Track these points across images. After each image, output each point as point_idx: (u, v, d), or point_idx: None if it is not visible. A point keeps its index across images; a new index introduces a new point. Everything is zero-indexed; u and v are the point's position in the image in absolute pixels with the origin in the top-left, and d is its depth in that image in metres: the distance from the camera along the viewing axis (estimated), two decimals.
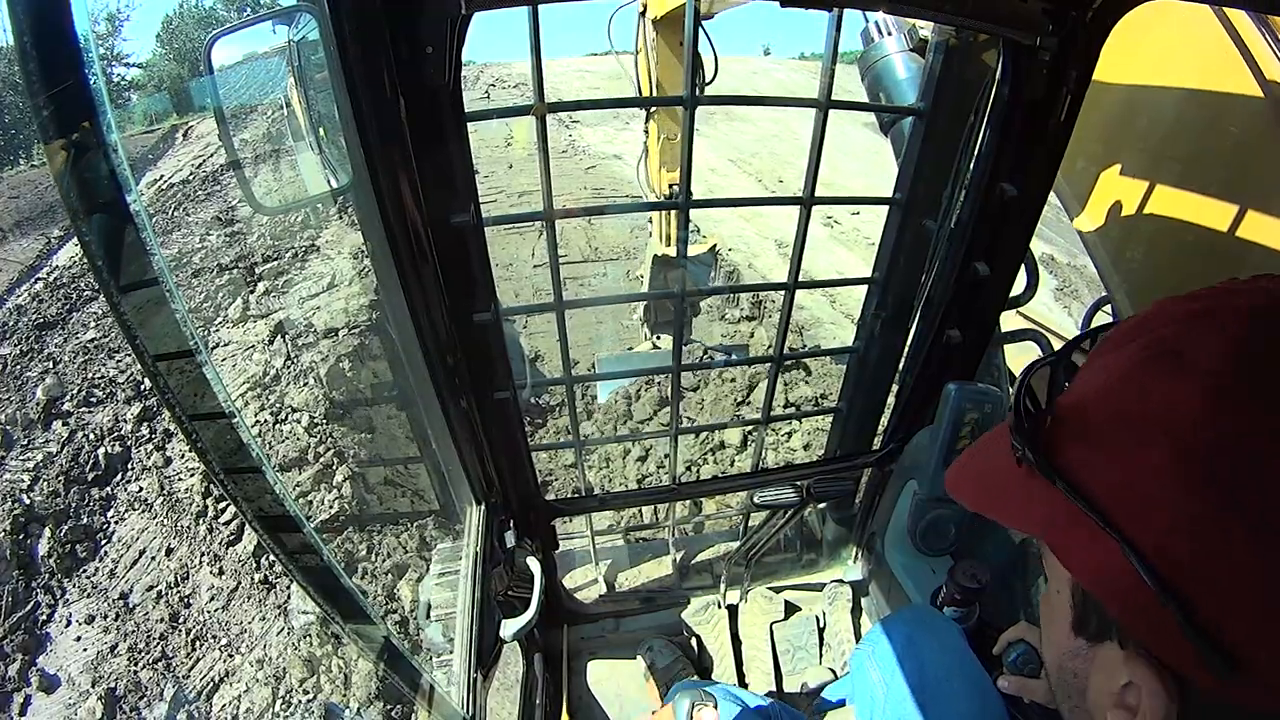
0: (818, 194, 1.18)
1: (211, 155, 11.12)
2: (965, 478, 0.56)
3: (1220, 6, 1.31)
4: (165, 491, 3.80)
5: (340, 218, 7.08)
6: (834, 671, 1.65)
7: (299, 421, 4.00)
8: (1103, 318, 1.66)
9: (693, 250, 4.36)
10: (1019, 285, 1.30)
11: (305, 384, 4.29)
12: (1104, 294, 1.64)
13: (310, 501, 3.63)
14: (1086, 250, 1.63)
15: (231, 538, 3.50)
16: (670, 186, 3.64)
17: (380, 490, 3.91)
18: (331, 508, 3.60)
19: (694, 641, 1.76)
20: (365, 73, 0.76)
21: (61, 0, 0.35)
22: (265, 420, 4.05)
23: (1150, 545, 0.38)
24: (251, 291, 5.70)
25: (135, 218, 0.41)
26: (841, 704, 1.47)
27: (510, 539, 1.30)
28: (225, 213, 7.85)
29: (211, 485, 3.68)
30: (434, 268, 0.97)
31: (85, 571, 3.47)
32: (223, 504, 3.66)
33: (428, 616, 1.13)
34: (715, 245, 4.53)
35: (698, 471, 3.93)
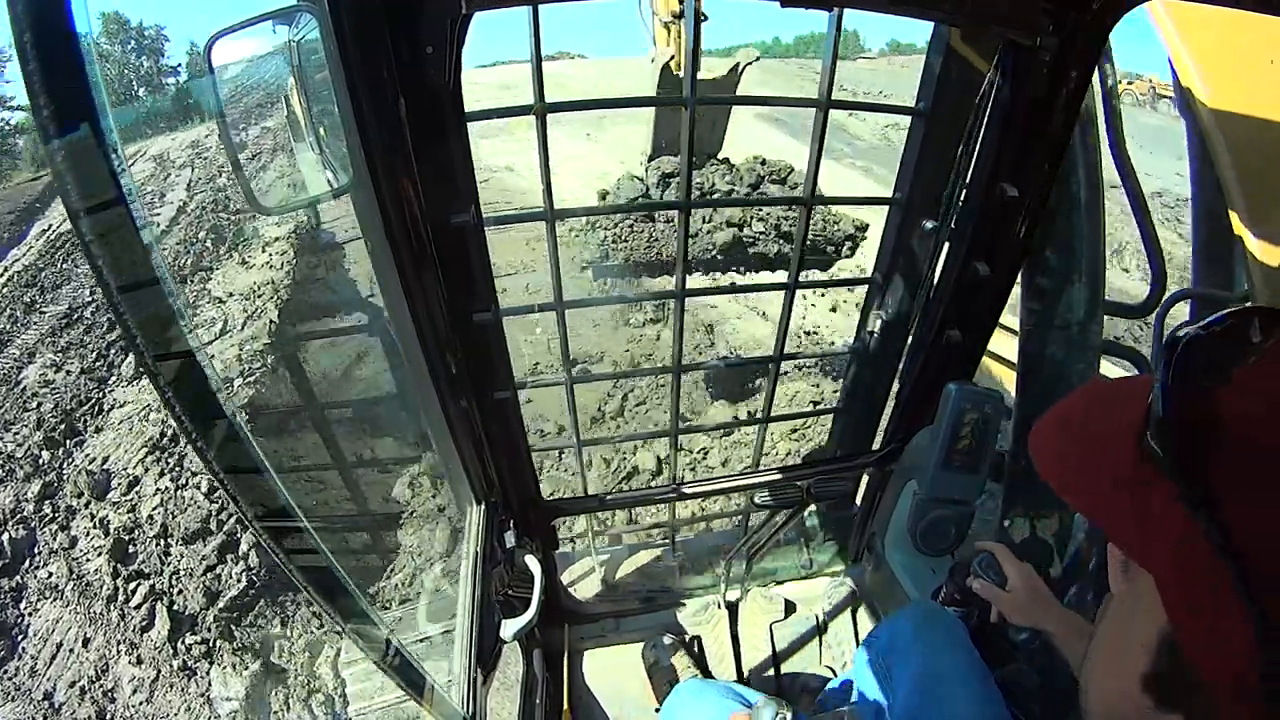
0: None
1: None
2: (1056, 444, 0.43)
3: (1220, 6, 1.31)
4: (75, 575, 3.63)
5: (231, 256, 6.80)
6: (834, 671, 1.65)
7: (199, 487, 3.84)
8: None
9: (713, 74, 4.17)
10: (1131, 288, 1.20)
11: None
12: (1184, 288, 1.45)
13: (219, 576, 3.47)
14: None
15: (144, 623, 3.37)
16: (680, 2, 3.54)
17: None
18: (240, 582, 3.45)
19: (694, 641, 1.76)
20: (365, 73, 0.76)
21: (61, 0, 0.35)
22: (166, 488, 3.86)
23: None
24: None
25: (135, 218, 0.41)
26: (842, 703, 1.47)
27: (510, 539, 1.30)
28: None
29: (118, 566, 3.53)
30: (434, 268, 0.97)
31: (6, 671, 3.34)
32: (132, 584, 3.48)
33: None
34: (739, 64, 4.24)
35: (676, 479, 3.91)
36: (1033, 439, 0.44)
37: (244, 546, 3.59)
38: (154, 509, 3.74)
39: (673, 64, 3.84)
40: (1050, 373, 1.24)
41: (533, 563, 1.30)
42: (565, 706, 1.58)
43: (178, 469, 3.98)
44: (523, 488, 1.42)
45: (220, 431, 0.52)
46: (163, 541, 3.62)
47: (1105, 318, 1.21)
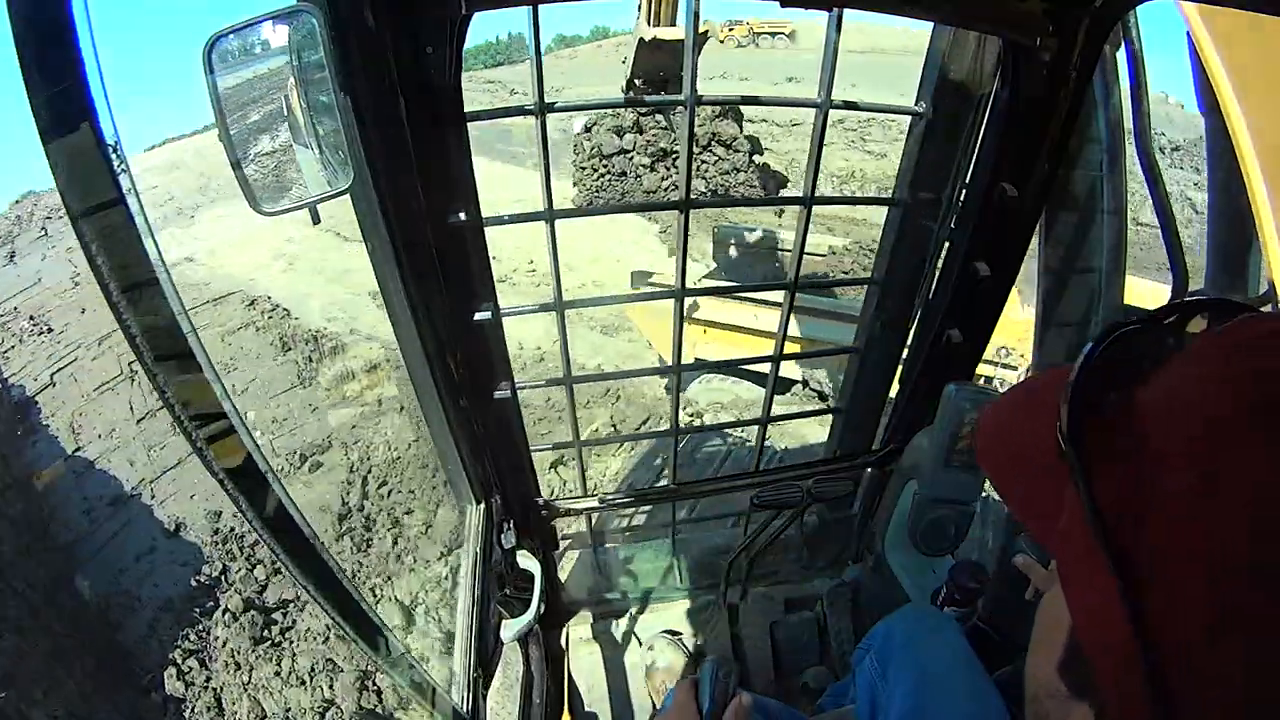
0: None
1: None
2: (1002, 432, 0.44)
3: (1220, 6, 1.30)
4: None
5: None
6: (834, 672, 1.65)
7: None
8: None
9: (680, 36, 4.52)
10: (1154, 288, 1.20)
11: None
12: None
13: None
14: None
15: None
16: None
17: None
18: None
19: (694, 641, 1.76)
20: (365, 73, 0.77)
21: (61, 0, 0.35)
22: None
23: (1171, 638, 0.29)
24: None
25: (135, 218, 0.41)
26: (842, 704, 1.47)
27: (510, 539, 1.30)
28: None
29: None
30: (434, 267, 0.97)
31: None
32: None
33: None
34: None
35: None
36: (982, 425, 0.46)
37: None
38: None
39: (650, 34, 4.27)
40: None
41: (532, 563, 1.30)
42: (565, 706, 1.58)
43: None
44: (522, 488, 1.42)
45: (220, 431, 0.52)
46: None
47: None
